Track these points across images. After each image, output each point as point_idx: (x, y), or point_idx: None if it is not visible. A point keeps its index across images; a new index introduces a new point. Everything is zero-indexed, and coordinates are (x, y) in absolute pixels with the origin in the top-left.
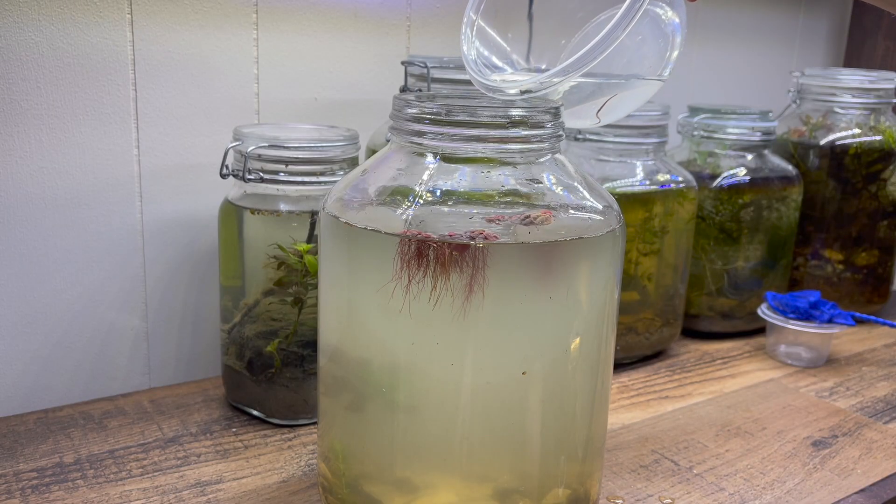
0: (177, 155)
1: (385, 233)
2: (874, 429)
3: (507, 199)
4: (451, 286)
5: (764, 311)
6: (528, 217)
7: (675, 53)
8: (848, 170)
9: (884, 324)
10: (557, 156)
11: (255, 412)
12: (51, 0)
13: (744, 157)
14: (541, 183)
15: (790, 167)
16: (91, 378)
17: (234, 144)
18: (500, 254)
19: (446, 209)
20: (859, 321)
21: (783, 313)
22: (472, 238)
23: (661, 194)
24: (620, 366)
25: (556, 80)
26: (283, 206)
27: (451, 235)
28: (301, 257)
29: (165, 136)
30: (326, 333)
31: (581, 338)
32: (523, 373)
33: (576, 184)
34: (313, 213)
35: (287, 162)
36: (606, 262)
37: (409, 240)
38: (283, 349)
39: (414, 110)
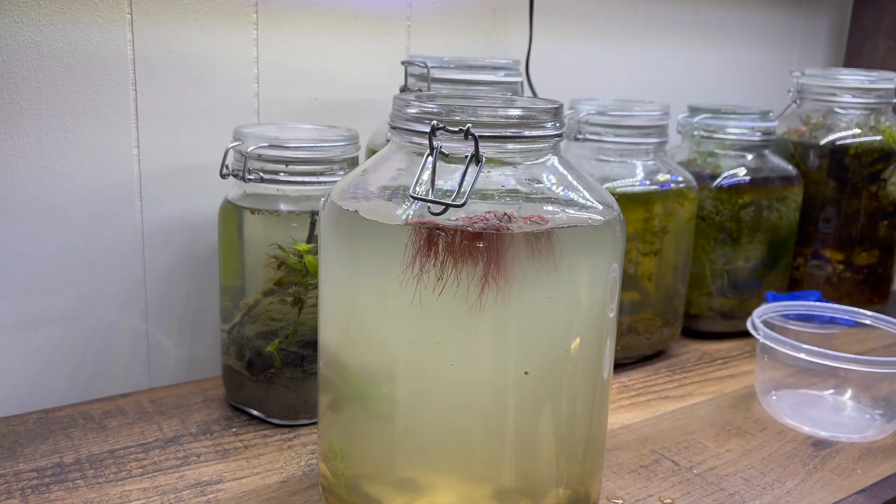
0: (177, 155)
1: (393, 224)
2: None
3: (508, 199)
4: (467, 276)
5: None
6: (506, 215)
7: None
8: (848, 170)
9: None
10: (558, 155)
11: (255, 412)
12: (51, 0)
13: (744, 157)
14: (541, 183)
15: (790, 167)
16: (91, 378)
17: (234, 144)
18: (506, 245)
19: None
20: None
21: (783, 314)
22: (486, 227)
23: (661, 194)
24: (620, 366)
25: None
26: (283, 206)
27: (465, 224)
28: (301, 257)
29: (165, 136)
30: (326, 333)
31: (581, 337)
32: (525, 372)
33: (576, 183)
34: (313, 213)
35: (287, 162)
36: (606, 262)
37: (420, 228)
38: (283, 349)
39: (414, 110)
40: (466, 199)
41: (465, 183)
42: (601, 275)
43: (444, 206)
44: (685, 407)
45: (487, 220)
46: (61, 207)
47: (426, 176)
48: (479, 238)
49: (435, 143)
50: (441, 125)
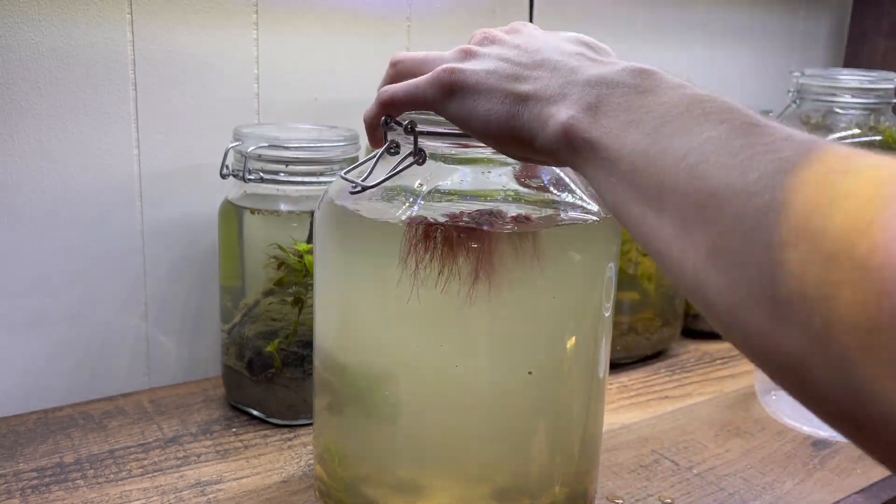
0: (177, 155)
1: (393, 223)
2: None
3: (509, 199)
4: (458, 272)
5: None
6: (491, 213)
7: None
8: None
9: None
10: None
11: (255, 412)
12: (51, 0)
13: None
14: (540, 183)
15: None
16: (91, 378)
17: (234, 144)
18: (494, 243)
19: (446, 206)
20: None
21: None
22: (479, 224)
23: None
24: (620, 366)
25: None
26: (283, 206)
27: (455, 219)
28: (301, 257)
29: (165, 136)
30: (323, 334)
31: (578, 336)
32: (529, 372)
33: (572, 184)
34: (313, 213)
35: (287, 162)
36: (602, 261)
37: (414, 224)
38: (282, 349)
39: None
40: (378, 183)
41: (382, 169)
42: (597, 274)
43: (359, 187)
44: (685, 407)
45: (472, 216)
46: (61, 207)
47: (374, 164)
48: (470, 234)
49: (389, 136)
50: (389, 119)
